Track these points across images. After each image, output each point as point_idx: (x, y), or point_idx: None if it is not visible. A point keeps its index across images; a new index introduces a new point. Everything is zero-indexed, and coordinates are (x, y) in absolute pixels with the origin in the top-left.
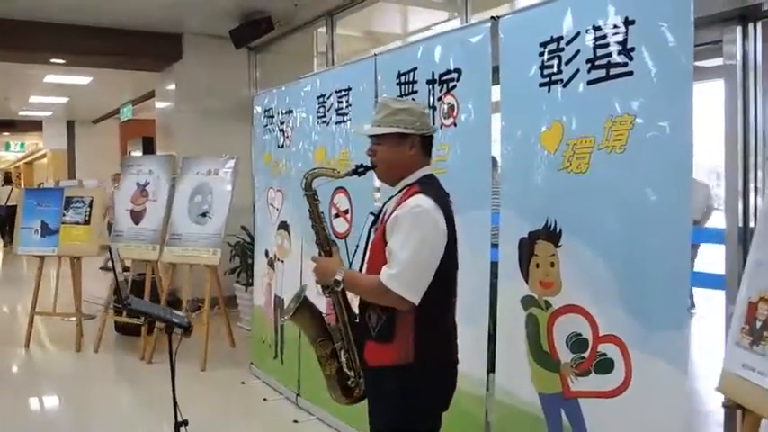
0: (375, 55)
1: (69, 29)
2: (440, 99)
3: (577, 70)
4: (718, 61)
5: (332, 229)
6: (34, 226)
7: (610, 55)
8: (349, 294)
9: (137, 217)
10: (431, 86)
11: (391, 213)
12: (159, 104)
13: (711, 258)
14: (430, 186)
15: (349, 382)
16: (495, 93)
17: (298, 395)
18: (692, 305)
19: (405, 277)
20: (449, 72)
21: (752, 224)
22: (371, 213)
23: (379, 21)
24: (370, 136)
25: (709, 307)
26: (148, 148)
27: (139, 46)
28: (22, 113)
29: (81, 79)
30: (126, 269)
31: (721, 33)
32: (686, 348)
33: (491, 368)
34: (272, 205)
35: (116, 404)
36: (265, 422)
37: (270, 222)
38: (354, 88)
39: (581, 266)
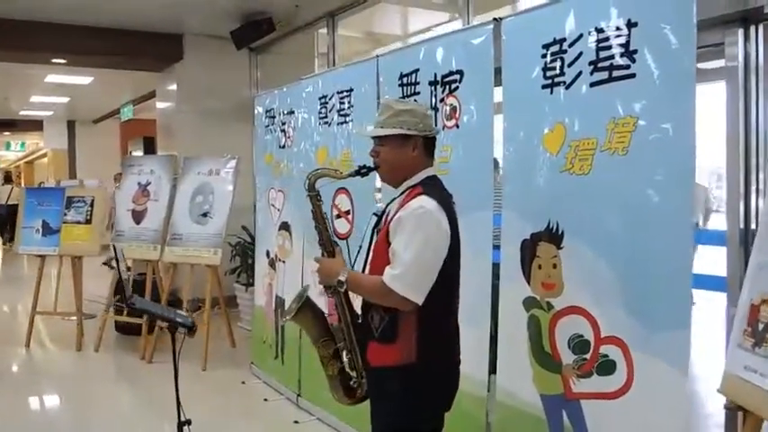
0: (377, 56)
1: (70, 29)
2: (442, 100)
3: (580, 72)
4: (719, 63)
5: (333, 229)
6: (35, 225)
7: (612, 57)
8: (351, 295)
9: (138, 217)
10: (433, 88)
11: (394, 214)
12: (160, 104)
13: (709, 260)
14: (433, 187)
15: (351, 383)
16: (498, 94)
17: (298, 395)
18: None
19: (408, 278)
20: (451, 73)
21: (753, 226)
22: (374, 214)
23: (380, 22)
24: (374, 137)
25: (710, 308)
26: (149, 147)
27: (140, 46)
28: (22, 113)
29: (82, 79)
30: (127, 269)
31: (723, 36)
32: (687, 350)
33: (492, 369)
34: (273, 205)
35: (116, 404)
36: (266, 422)
37: (271, 223)
38: (356, 89)
39: (583, 268)
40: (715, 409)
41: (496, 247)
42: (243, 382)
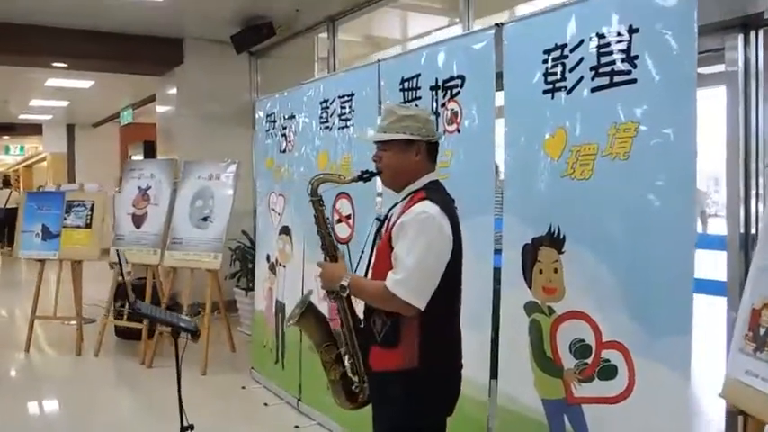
0: (378, 61)
1: (71, 33)
2: (443, 105)
3: (581, 77)
4: (719, 68)
5: (334, 234)
6: (35, 229)
7: (613, 62)
8: (353, 299)
9: (138, 221)
10: (434, 93)
11: (397, 219)
12: (160, 108)
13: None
14: (436, 192)
15: (353, 387)
16: (499, 99)
17: (299, 400)
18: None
19: (410, 283)
20: (452, 78)
21: (753, 231)
22: (377, 219)
23: (380, 26)
24: (376, 142)
25: (709, 313)
26: (149, 152)
27: (141, 50)
28: (22, 117)
29: (82, 83)
30: (127, 273)
31: (723, 41)
32: (689, 355)
33: (494, 374)
34: (273, 210)
35: (116, 409)
36: (266, 427)
37: (271, 227)
38: (357, 94)
39: (584, 272)
40: (717, 413)
41: (498, 252)
42: (243, 387)
